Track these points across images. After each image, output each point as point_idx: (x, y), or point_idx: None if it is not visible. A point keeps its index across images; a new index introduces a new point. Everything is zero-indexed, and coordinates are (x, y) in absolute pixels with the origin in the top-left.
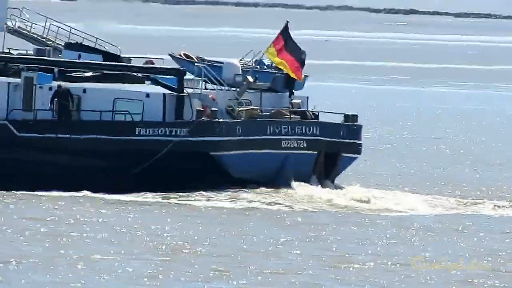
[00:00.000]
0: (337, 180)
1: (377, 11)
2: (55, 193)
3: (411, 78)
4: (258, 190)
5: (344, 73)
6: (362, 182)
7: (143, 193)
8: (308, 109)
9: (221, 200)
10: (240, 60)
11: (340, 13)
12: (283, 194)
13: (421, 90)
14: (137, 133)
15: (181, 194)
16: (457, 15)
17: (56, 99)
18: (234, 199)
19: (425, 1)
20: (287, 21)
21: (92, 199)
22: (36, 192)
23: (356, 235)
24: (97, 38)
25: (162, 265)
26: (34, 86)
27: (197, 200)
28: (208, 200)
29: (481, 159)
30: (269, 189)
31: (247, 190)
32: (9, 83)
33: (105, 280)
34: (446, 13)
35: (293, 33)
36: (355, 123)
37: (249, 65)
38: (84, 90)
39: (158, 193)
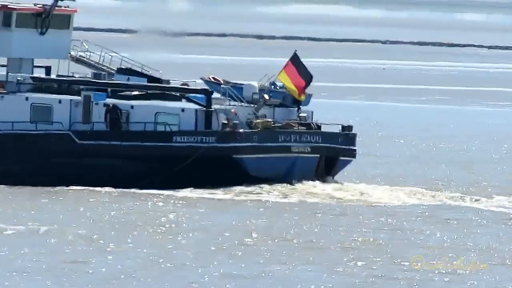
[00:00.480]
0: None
1: (425, 43)
2: (137, 191)
3: (452, 98)
4: (298, 187)
5: (397, 95)
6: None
7: (210, 190)
8: (312, 121)
9: (280, 196)
10: (258, 82)
11: (395, 46)
12: (319, 191)
13: (459, 108)
14: (174, 140)
15: (243, 191)
16: (490, 47)
17: (108, 114)
18: (286, 196)
19: (464, 36)
20: (295, 50)
21: (166, 197)
22: (114, 189)
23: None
24: (143, 65)
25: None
26: (91, 103)
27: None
28: (260, 196)
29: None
30: (305, 186)
31: (292, 190)
32: (71, 100)
33: (200, 263)
34: (481, 46)
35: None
36: (351, 132)
37: (265, 86)
38: (132, 106)
39: (220, 189)
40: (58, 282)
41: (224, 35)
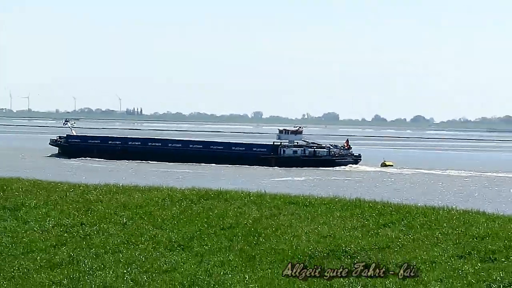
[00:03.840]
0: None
1: None
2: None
3: None
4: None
5: None
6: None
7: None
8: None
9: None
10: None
11: None
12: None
13: None
14: (322, 158)
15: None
16: None
17: (312, 152)
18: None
19: None
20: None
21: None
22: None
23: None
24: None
25: None
26: (305, 150)
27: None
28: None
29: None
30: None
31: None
32: (300, 149)
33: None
34: None
35: None
36: (360, 157)
37: (340, 146)
38: (315, 151)
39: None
40: None
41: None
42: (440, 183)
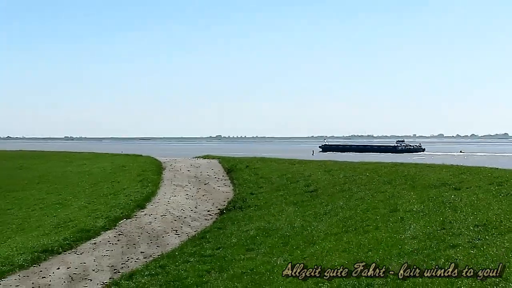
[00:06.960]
0: None
1: None
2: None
3: None
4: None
5: None
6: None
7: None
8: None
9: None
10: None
11: None
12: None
13: None
14: (414, 150)
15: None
16: None
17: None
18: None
19: None
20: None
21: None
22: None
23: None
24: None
25: None
26: (408, 148)
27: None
28: None
29: None
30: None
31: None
32: (405, 146)
33: None
34: None
35: None
36: (422, 147)
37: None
38: (408, 147)
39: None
40: None
41: None
42: (490, 159)
